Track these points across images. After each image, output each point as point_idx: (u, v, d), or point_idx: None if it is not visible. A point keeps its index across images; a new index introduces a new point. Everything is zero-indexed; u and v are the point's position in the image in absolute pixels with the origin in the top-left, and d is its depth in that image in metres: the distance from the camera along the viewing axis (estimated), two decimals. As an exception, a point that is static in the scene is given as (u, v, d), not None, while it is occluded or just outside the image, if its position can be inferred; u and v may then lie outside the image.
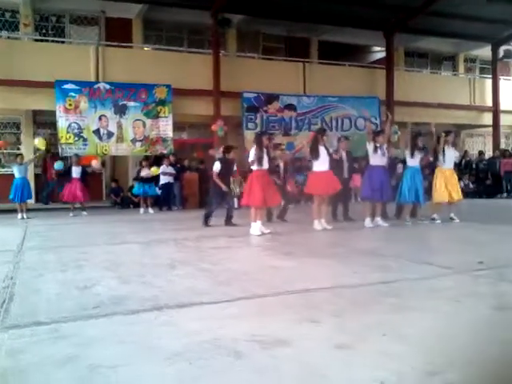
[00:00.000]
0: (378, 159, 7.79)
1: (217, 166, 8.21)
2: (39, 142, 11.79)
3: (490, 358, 2.17)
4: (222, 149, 8.69)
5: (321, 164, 7.59)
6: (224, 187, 8.15)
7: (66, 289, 3.75)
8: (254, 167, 7.24)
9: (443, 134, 8.33)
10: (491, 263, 4.35)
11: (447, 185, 8.18)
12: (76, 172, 11.62)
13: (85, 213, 11.57)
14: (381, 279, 3.81)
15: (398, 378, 1.97)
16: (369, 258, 4.99)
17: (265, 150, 7.25)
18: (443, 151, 8.21)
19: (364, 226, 7.76)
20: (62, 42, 15.10)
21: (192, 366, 2.14)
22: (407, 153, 8.21)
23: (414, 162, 8.13)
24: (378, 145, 7.75)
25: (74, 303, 3.28)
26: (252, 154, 7.26)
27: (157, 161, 13.69)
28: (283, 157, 9.30)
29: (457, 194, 8.27)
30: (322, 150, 7.57)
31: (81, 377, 2.06)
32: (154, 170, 12.34)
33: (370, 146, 7.85)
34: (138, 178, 12.44)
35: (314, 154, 7.57)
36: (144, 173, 12.22)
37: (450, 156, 8.33)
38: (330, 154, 7.68)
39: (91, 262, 4.97)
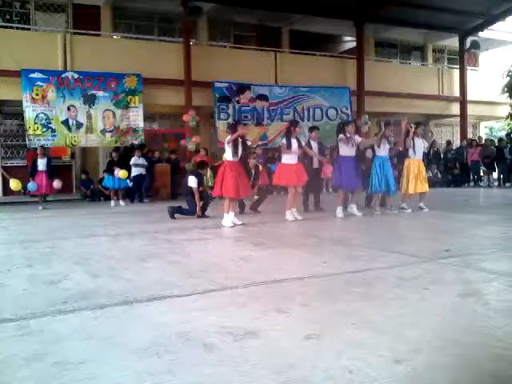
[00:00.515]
0: (347, 150, 7.83)
1: (194, 181, 8.20)
2: (15, 185, 11.28)
3: (456, 345, 2.22)
4: (196, 164, 8.69)
5: (291, 156, 7.63)
6: (198, 206, 8.19)
7: (33, 284, 3.68)
8: (229, 158, 7.21)
9: (413, 126, 8.45)
10: (458, 251, 4.46)
11: (417, 177, 8.32)
12: (42, 164, 11.33)
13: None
14: (350, 269, 3.87)
15: (366, 365, 2.01)
16: (339, 247, 5.05)
17: (240, 140, 7.20)
18: (413, 142, 8.34)
19: (335, 216, 7.84)
20: (28, 30, 14.65)
21: (162, 360, 2.13)
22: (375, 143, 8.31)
23: (382, 151, 8.22)
24: (348, 135, 7.79)
25: (41, 299, 3.22)
26: (227, 142, 7.19)
27: (127, 152, 13.47)
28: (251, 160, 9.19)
29: (423, 186, 8.41)
30: (293, 142, 7.61)
31: (48, 374, 2.03)
32: (122, 174, 11.86)
33: (340, 137, 7.86)
34: (109, 171, 12.21)
35: (287, 145, 7.60)
36: (116, 171, 11.89)
37: (420, 147, 8.46)
38: (301, 147, 7.73)
39: (60, 257, 4.88)
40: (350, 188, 7.98)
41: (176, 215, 8.22)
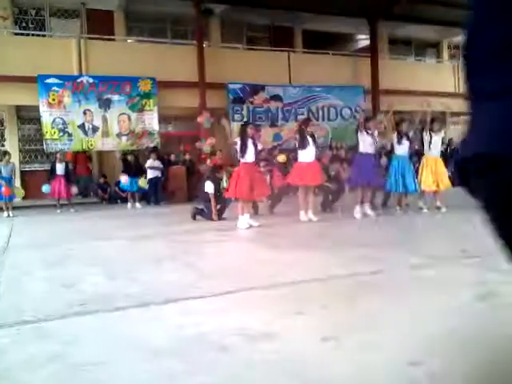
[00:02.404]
0: (367, 146, 7.63)
1: (211, 187, 8.13)
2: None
3: (473, 347, 2.19)
4: (211, 167, 8.63)
5: (306, 154, 7.59)
6: (214, 211, 8.13)
7: (51, 286, 3.73)
8: (241, 159, 7.21)
9: (428, 122, 8.31)
10: (475, 252, 4.39)
11: (434, 173, 8.19)
12: (60, 169, 11.56)
13: (72, 209, 11.51)
14: (367, 269, 3.84)
15: (382, 367, 1.99)
16: (355, 248, 5.01)
17: (250, 141, 7.16)
18: (430, 137, 8.18)
19: (354, 217, 7.72)
20: (43, 36, 14.87)
21: (179, 362, 2.14)
22: (395, 140, 8.18)
23: (401, 149, 8.11)
24: (369, 131, 7.64)
25: (59, 301, 3.26)
26: (237, 144, 7.19)
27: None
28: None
29: (444, 183, 8.28)
30: (307, 140, 7.57)
31: (66, 375, 2.06)
32: (142, 183, 12.49)
33: (361, 134, 7.65)
34: (127, 172, 12.39)
35: (301, 143, 7.56)
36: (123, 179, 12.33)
37: (436, 143, 8.32)
38: (316, 145, 7.70)
39: (77, 259, 4.94)
40: (365, 184, 7.79)
41: (197, 217, 8.22)
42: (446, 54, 21.62)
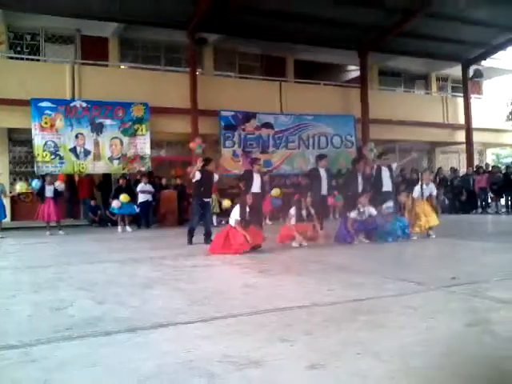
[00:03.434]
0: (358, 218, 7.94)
1: (197, 176, 8.26)
2: (21, 187, 12.02)
3: (463, 376, 2.20)
4: (200, 162, 8.59)
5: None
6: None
7: (38, 310, 3.69)
8: (232, 223, 7.18)
9: (421, 172, 8.68)
10: (464, 279, 4.42)
11: (423, 214, 8.40)
12: (49, 191, 11.56)
13: (61, 232, 11.46)
14: (355, 296, 3.84)
15: (370, 395, 1.99)
16: (344, 274, 5.03)
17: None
18: (421, 188, 8.55)
19: (341, 243, 7.81)
20: (38, 60, 15.00)
21: (165, 388, 2.12)
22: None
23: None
24: (361, 209, 7.88)
25: (46, 325, 3.22)
26: (236, 213, 7.16)
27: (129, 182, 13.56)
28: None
29: (434, 220, 8.44)
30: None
31: (51, 401, 2.03)
32: (123, 198, 12.20)
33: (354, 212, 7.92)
34: (117, 197, 12.31)
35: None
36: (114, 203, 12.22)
37: (426, 192, 8.66)
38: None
39: (66, 282, 4.89)
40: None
41: (193, 240, 8.18)
42: (434, 85, 22.06)
